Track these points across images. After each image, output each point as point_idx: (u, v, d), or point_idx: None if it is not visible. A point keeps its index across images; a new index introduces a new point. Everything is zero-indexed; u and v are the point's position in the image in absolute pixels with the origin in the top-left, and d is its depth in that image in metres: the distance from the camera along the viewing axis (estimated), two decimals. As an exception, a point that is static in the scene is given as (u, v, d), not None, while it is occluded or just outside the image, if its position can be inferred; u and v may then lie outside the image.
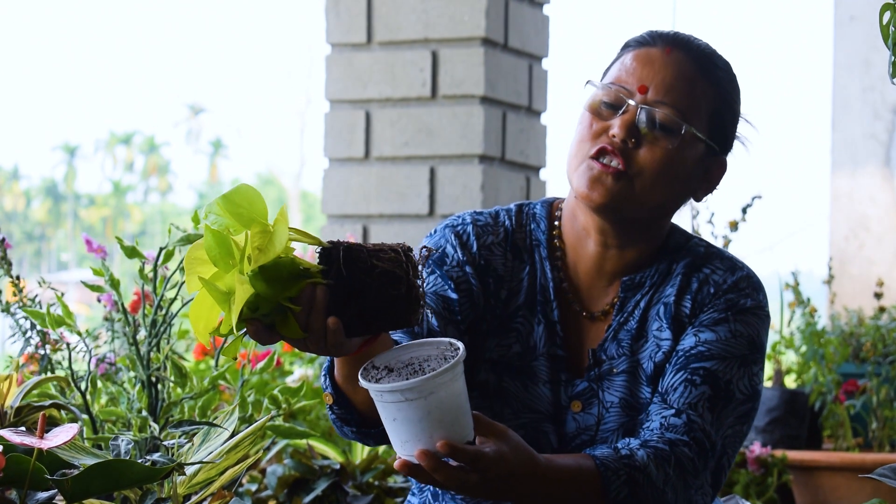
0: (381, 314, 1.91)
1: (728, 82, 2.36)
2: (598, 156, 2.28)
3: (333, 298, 1.87)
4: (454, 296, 2.32)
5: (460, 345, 1.96)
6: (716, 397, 2.26)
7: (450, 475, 1.98)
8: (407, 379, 1.92)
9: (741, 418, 2.29)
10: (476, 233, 2.37)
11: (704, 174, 2.36)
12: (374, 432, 2.18)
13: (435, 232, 2.40)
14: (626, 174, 2.27)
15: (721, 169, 2.38)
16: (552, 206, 2.43)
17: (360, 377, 1.96)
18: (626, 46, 2.38)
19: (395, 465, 1.98)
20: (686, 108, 2.30)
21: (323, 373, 2.20)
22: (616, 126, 2.28)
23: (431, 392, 1.91)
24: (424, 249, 1.99)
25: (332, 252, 1.87)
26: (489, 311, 2.35)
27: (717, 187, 2.40)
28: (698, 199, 2.38)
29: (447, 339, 2.00)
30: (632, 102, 2.29)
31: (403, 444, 1.95)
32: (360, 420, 2.17)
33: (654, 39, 2.34)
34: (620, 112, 2.29)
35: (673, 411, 2.25)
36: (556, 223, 2.39)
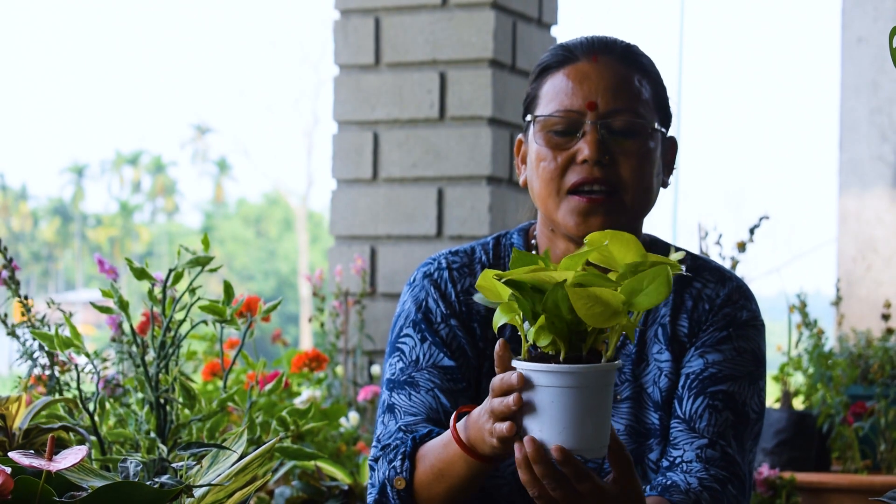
0: None
1: (651, 64, 2.32)
2: (576, 189, 2.24)
3: None
4: (451, 363, 2.27)
5: (619, 360, 1.93)
6: (738, 422, 2.24)
7: (548, 472, 1.90)
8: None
9: (755, 438, 2.28)
10: (451, 278, 2.32)
11: (664, 159, 2.32)
12: None
13: (414, 282, 2.35)
14: (613, 193, 2.23)
15: (674, 147, 2.34)
16: (528, 233, 2.38)
17: (513, 359, 1.92)
18: (546, 69, 2.30)
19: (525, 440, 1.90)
20: (637, 106, 2.25)
21: (402, 452, 2.17)
22: (584, 151, 2.22)
23: (581, 385, 1.87)
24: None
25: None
26: (480, 355, 2.31)
27: (676, 165, 2.35)
28: (665, 186, 2.34)
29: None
30: (588, 122, 2.23)
31: (526, 429, 1.92)
32: None
33: (574, 53, 2.28)
34: (579, 136, 2.24)
35: (705, 441, 2.22)
36: (535, 252, 2.32)
